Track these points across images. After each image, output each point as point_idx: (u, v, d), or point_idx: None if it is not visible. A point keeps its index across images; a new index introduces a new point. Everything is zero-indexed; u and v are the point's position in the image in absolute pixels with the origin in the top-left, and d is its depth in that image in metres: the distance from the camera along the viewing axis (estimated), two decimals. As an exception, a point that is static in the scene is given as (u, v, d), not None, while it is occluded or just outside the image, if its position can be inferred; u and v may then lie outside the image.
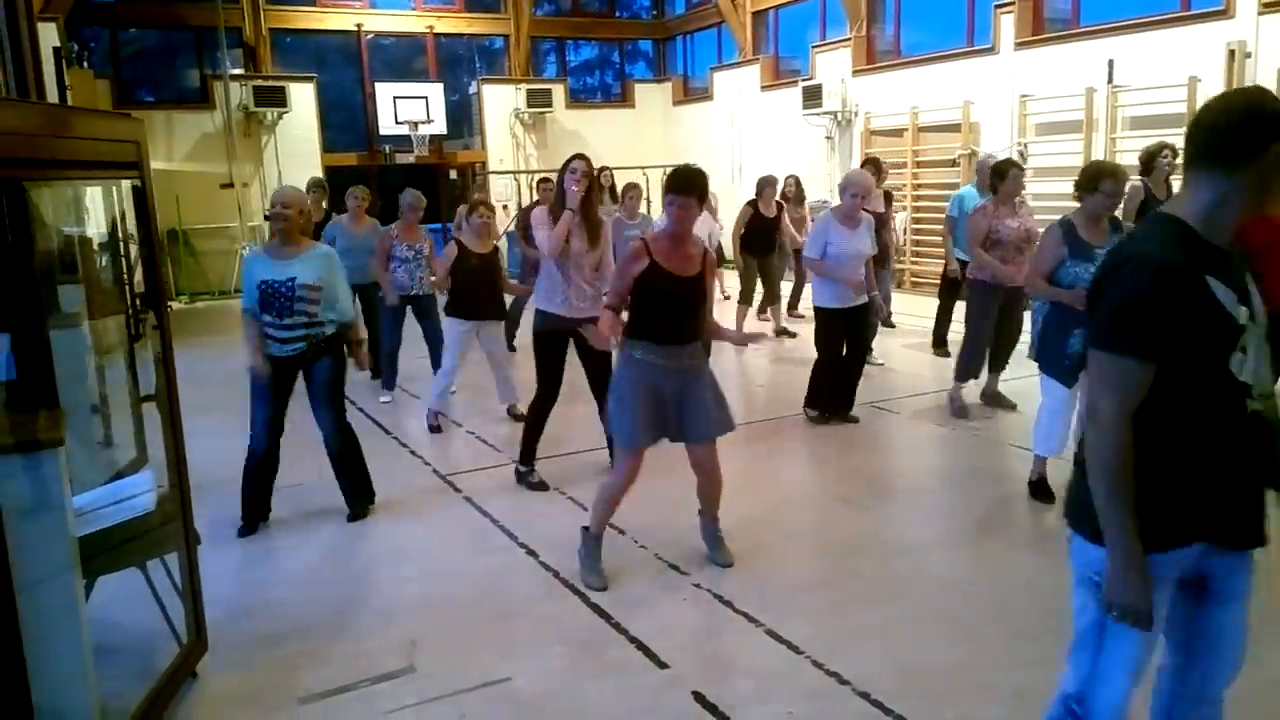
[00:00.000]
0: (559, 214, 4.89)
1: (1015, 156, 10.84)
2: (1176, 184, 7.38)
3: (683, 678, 3.16)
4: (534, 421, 5.14)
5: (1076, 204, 6.49)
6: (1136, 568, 1.86)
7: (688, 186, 3.74)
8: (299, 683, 3.18)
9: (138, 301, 5.54)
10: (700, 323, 3.88)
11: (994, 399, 6.50)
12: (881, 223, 7.37)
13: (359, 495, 4.82)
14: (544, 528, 4.55)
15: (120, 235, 6.56)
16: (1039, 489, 4.72)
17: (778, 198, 9.07)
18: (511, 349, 8.46)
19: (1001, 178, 6.02)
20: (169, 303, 13.29)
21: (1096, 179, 4.44)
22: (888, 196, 8.37)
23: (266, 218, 4.49)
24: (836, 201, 6.43)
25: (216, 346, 10.21)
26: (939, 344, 8.24)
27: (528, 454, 5.18)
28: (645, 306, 3.78)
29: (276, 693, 3.14)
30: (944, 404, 6.54)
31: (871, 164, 8.33)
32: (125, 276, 7.18)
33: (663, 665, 3.24)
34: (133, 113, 13.45)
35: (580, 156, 4.93)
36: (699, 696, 3.03)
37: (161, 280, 3.06)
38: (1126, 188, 6.55)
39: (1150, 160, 6.81)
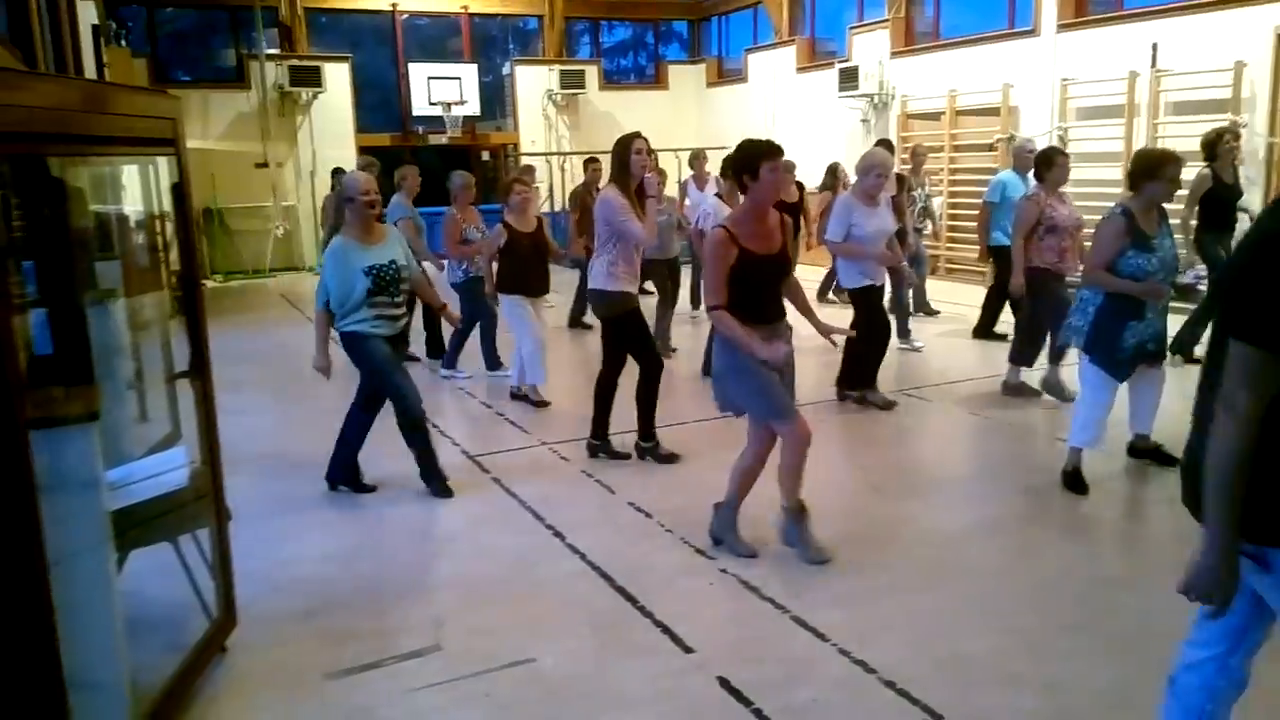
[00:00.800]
0: (629, 192, 4.90)
1: (1056, 142, 10.65)
2: (1241, 168, 7.28)
3: (708, 662, 3.14)
4: (647, 396, 5.16)
5: (1118, 190, 6.38)
6: (1230, 562, 1.90)
7: (777, 147, 3.76)
8: (326, 659, 3.21)
9: (173, 279, 5.62)
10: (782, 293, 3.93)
11: (1055, 388, 6.27)
12: (895, 206, 7.33)
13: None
14: (571, 510, 4.55)
15: (157, 212, 6.65)
16: (1073, 480, 4.64)
17: (842, 185, 9.02)
18: (587, 325, 8.77)
19: (1050, 165, 5.95)
20: (204, 281, 13.47)
21: (1160, 165, 4.35)
22: (900, 180, 8.28)
23: (347, 200, 4.58)
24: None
25: (250, 325, 10.34)
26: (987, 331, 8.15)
27: (649, 428, 5.25)
28: (740, 291, 3.72)
29: (304, 668, 3.17)
30: (977, 392, 6.46)
31: (885, 145, 8.22)
32: (162, 254, 7.28)
33: (688, 649, 3.23)
34: (170, 91, 13.57)
35: (640, 135, 4.95)
36: (724, 681, 3.02)
37: (196, 258, 3.07)
38: (1193, 175, 6.48)
39: (1213, 146, 6.70)
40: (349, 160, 14.87)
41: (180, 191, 2.94)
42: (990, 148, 11.51)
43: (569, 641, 3.31)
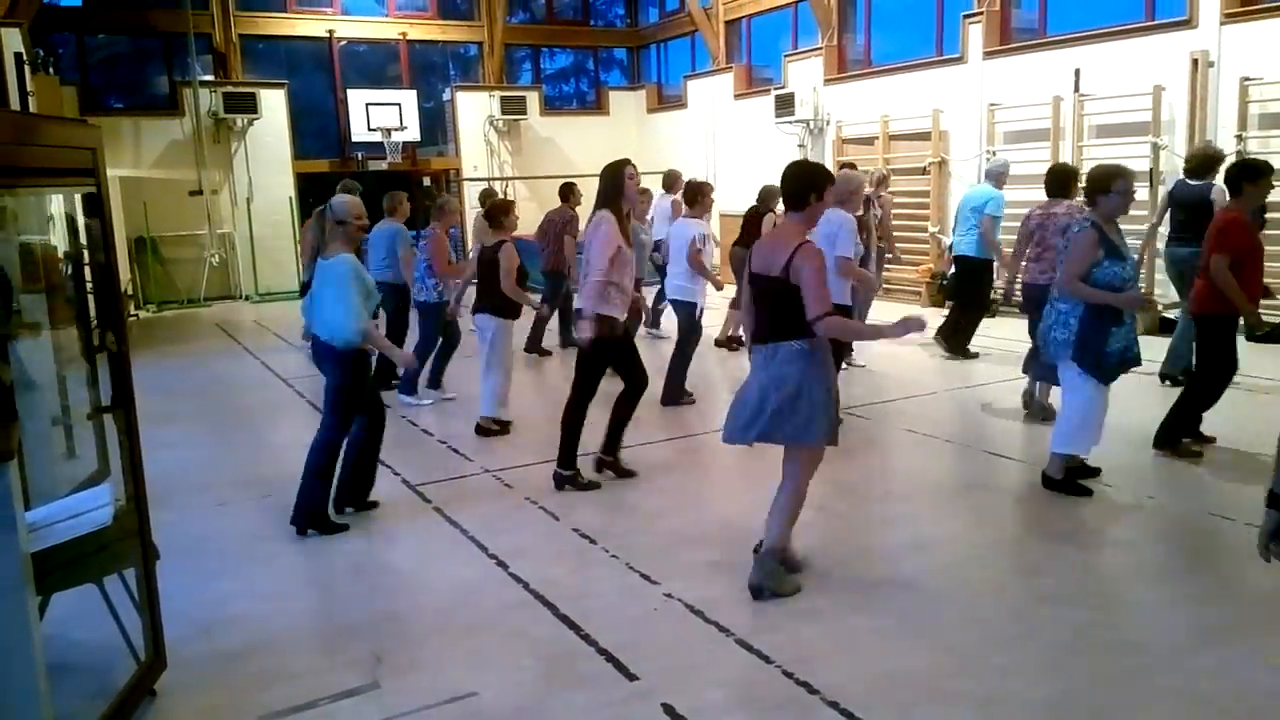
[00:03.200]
0: (623, 217, 5.03)
1: (984, 165, 10.97)
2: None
3: (653, 690, 3.12)
4: (625, 416, 5.26)
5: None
6: None
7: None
8: (260, 700, 3.12)
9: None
10: None
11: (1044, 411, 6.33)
12: (860, 226, 7.52)
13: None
14: (514, 538, 4.51)
15: (84, 243, 6.48)
16: (1069, 485, 4.80)
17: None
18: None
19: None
20: (136, 311, 13.11)
21: (1109, 180, 4.58)
22: (867, 202, 8.50)
23: (339, 223, 4.68)
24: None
25: (184, 356, 10.09)
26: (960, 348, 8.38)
27: (616, 443, 5.29)
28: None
29: (236, 710, 3.07)
30: (912, 410, 6.58)
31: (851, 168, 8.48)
32: (88, 285, 7.08)
33: (632, 677, 3.21)
34: (101, 119, 13.19)
35: (629, 161, 5.08)
36: (669, 708, 3.00)
37: (119, 289, 2.99)
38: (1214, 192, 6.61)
39: (1216, 163, 6.90)
40: (286, 186, 14.71)
41: (101, 222, 2.86)
42: (923, 170, 11.80)
43: (511, 674, 3.27)
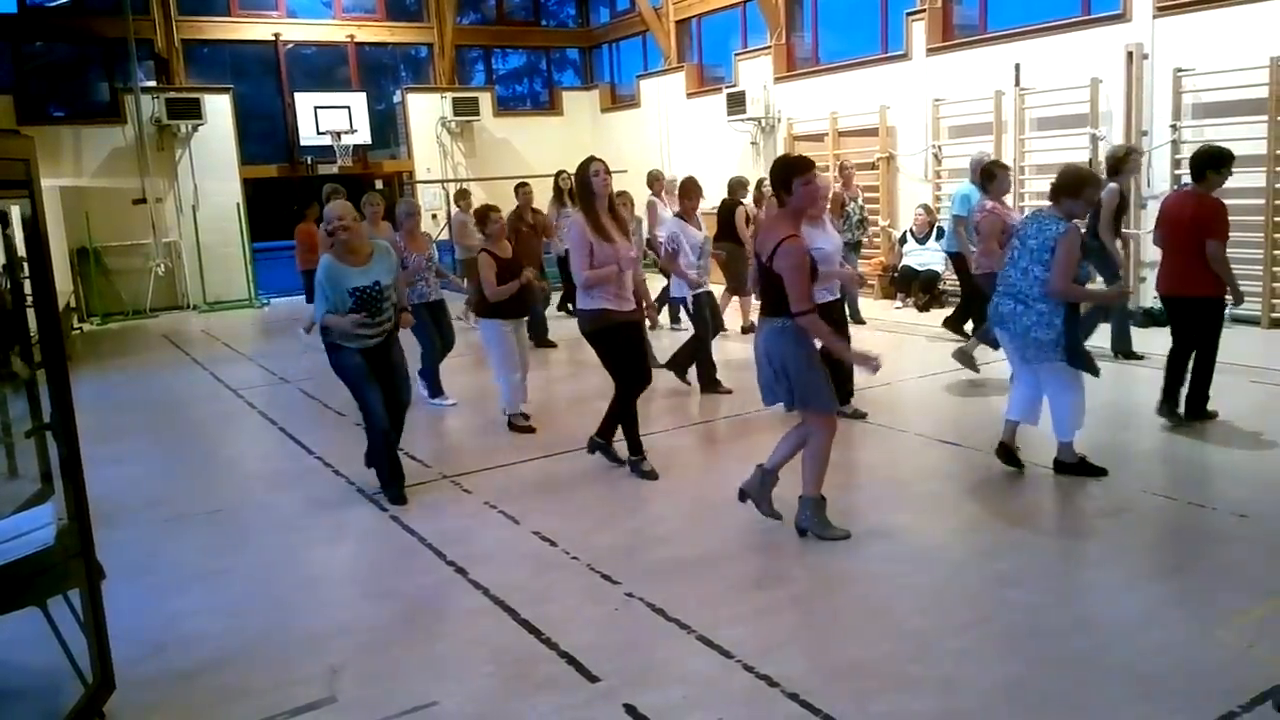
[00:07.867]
0: (599, 215, 5.11)
1: (930, 159, 11.16)
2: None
3: (614, 690, 3.12)
4: (630, 411, 5.32)
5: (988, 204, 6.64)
6: None
7: (809, 162, 4.26)
8: (214, 719, 3.06)
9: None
10: None
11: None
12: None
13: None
14: (474, 544, 4.47)
15: (20, 256, 6.31)
16: (1085, 466, 4.94)
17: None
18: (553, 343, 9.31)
19: (991, 178, 6.50)
20: (80, 324, 12.80)
21: (1083, 185, 4.70)
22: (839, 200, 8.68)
23: (329, 232, 4.89)
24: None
25: (130, 369, 9.87)
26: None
27: (638, 444, 5.38)
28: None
29: (190, 730, 3.02)
30: (869, 401, 6.65)
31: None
32: (27, 300, 6.90)
33: (594, 679, 3.21)
34: (39, 129, 12.82)
35: (594, 158, 5.20)
36: (630, 708, 3.01)
37: (55, 303, 2.92)
38: (1103, 192, 6.82)
39: (1120, 164, 7.07)
40: (233, 192, 14.44)
41: (37, 234, 2.79)
42: (872, 165, 11.94)
43: (471, 681, 3.25)
